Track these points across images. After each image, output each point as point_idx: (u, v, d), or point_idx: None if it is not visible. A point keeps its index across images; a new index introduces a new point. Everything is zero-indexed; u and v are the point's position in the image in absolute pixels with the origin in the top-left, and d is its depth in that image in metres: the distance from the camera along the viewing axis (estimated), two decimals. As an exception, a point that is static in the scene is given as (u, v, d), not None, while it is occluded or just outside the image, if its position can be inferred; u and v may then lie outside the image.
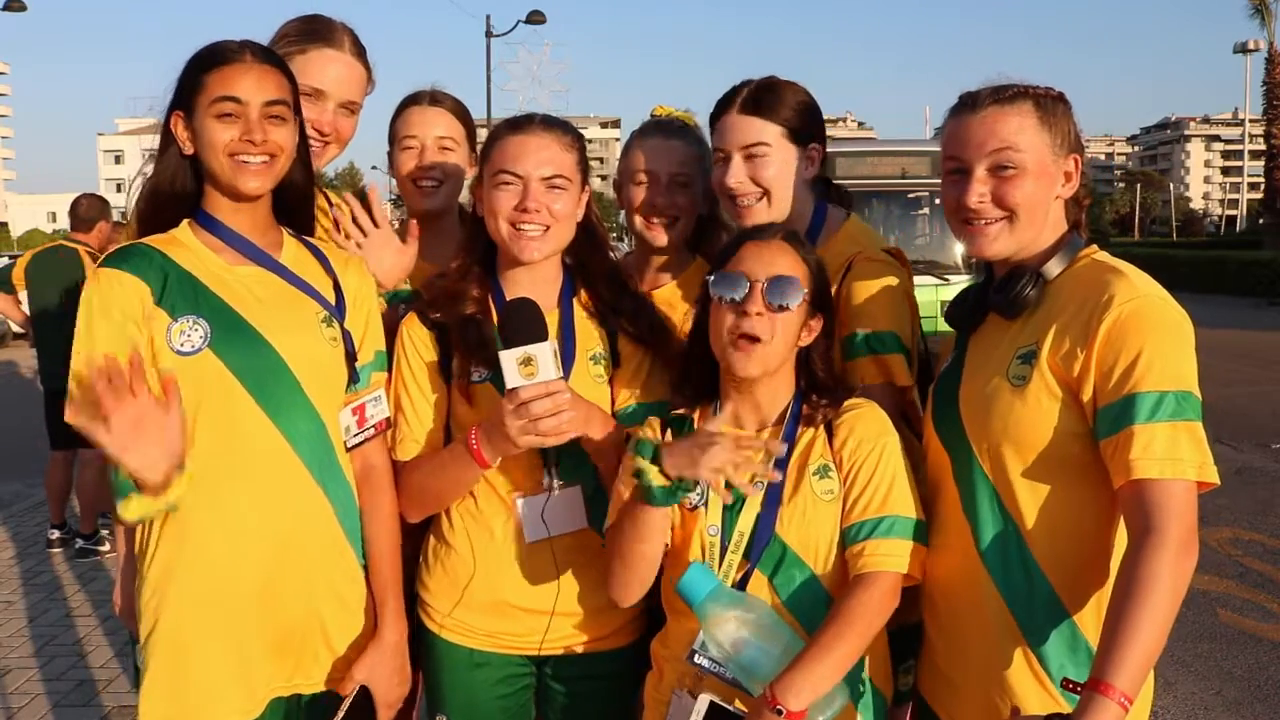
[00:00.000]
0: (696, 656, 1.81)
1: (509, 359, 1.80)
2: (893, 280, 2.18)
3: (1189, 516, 1.60)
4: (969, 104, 1.84)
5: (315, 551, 1.97)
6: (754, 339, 1.85)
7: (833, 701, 1.74)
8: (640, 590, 1.93)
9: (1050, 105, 1.81)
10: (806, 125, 2.25)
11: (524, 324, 1.82)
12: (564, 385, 1.83)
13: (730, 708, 1.79)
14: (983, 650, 1.82)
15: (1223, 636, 4.89)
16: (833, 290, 2.15)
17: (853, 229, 2.31)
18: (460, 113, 2.69)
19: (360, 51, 2.47)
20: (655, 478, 1.72)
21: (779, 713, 1.68)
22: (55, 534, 6.46)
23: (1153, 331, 1.65)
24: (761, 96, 2.22)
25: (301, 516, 1.94)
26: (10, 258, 17.45)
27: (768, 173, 2.21)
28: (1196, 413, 1.64)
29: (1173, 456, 1.60)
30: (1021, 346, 1.78)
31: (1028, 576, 1.77)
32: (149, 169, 2.00)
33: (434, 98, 2.66)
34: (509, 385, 1.81)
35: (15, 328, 16.19)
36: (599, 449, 2.02)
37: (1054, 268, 1.82)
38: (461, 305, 2.10)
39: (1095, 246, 1.87)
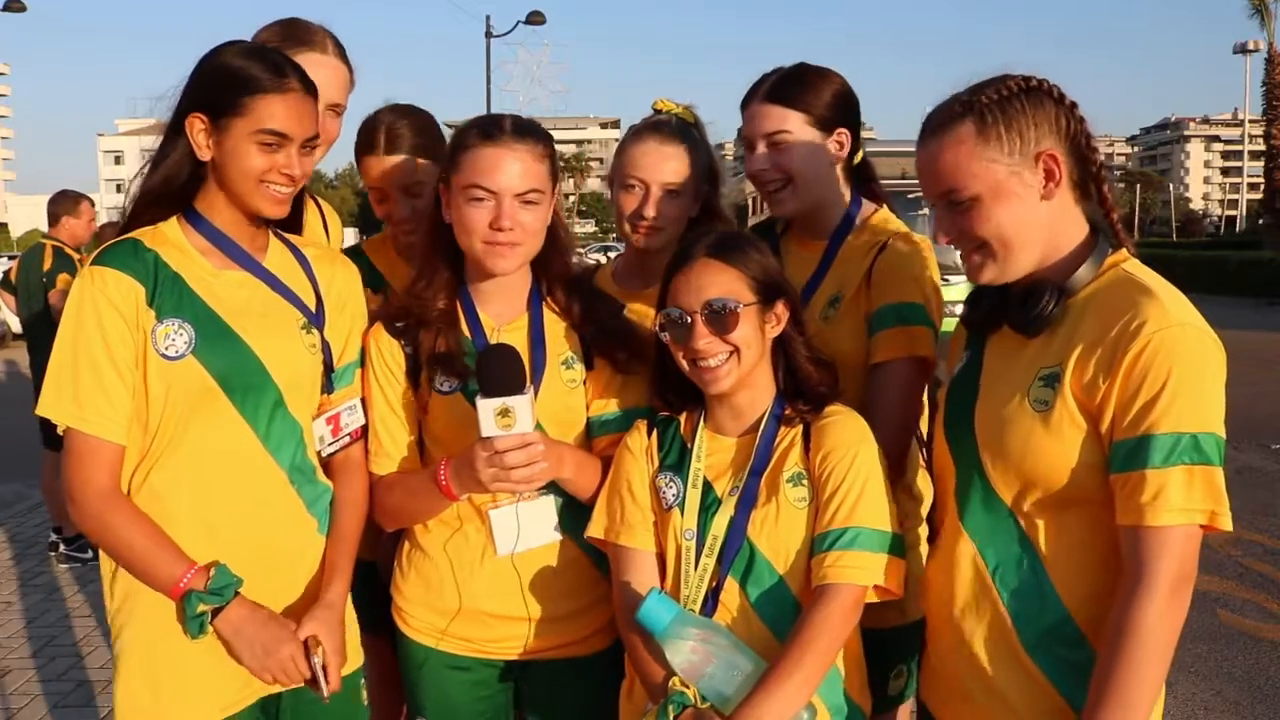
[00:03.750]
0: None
1: (487, 409, 1.79)
2: (925, 259, 2.22)
3: (1186, 563, 1.55)
4: (919, 134, 1.74)
5: (292, 557, 1.98)
6: (713, 365, 1.86)
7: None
8: None
9: (996, 111, 1.65)
10: (832, 111, 2.28)
11: (503, 373, 1.81)
12: (539, 437, 1.84)
13: None
14: (986, 667, 1.75)
15: (1223, 636, 4.89)
16: (865, 266, 2.22)
17: (888, 215, 2.38)
18: None
19: (342, 52, 2.46)
20: None
21: None
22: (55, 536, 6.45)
23: (1178, 366, 1.54)
24: (785, 85, 2.27)
25: (278, 522, 1.95)
26: (10, 258, 17.47)
27: (789, 159, 2.26)
28: (1216, 455, 1.55)
29: (1183, 506, 1.53)
30: (1044, 367, 1.67)
31: (1040, 597, 1.69)
32: (150, 166, 1.97)
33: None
34: (484, 434, 1.80)
35: (15, 328, 16.23)
36: (572, 484, 2.02)
37: (1079, 280, 1.69)
38: (428, 315, 2.06)
39: (1125, 252, 1.73)
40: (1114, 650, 1.54)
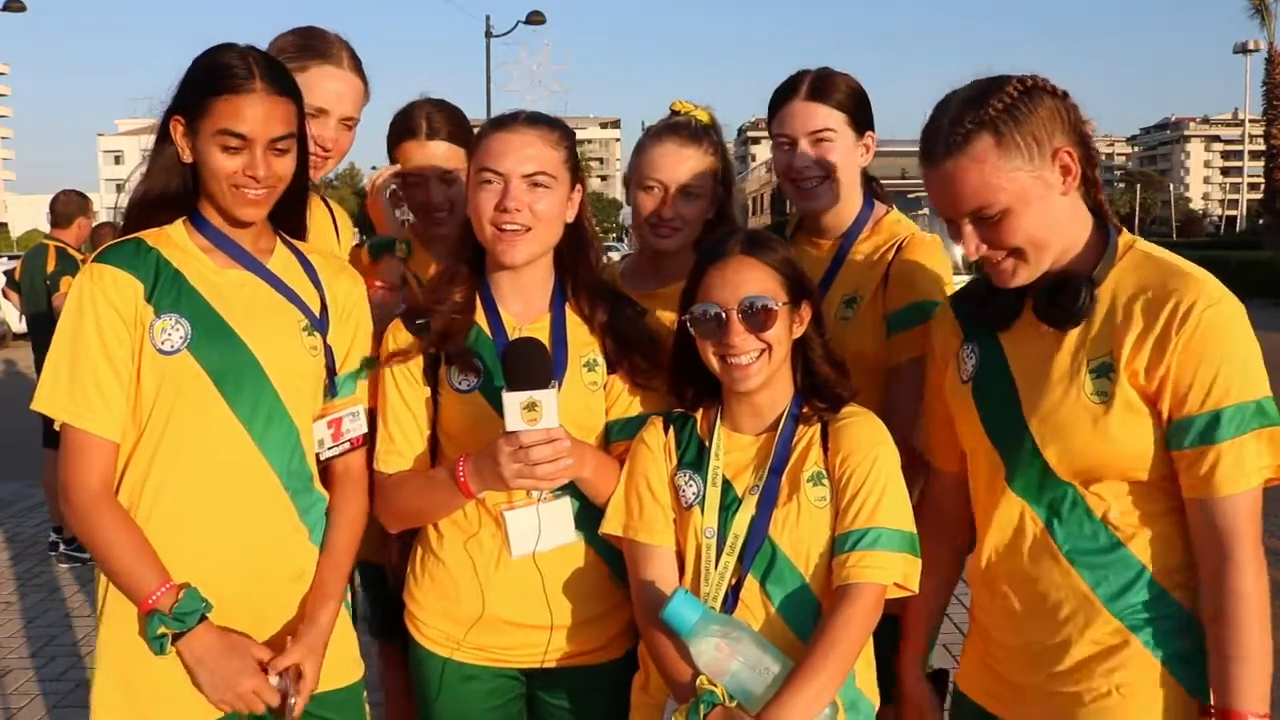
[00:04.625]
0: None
1: (513, 402, 1.76)
2: (943, 259, 2.30)
3: (1259, 521, 1.63)
4: (927, 155, 1.71)
5: (278, 563, 1.96)
6: (745, 363, 1.85)
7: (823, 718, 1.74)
8: None
9: (1010, 120, 1.64)
10: (863, 114, 2.39)
11: (530, 367, 1.79)
12: (564, 433, 1.81)
13: None
14: (1067, 653, 1.74)
15: (1223, 637, 4.88)
16: (882, 267, 2.30)
17: (899, 215, 2.46)
18: None
19: (357, 65, 2.46)
20: None
21: None
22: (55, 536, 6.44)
23: (1231, 341, 1.61)
24: (823, 84, 2.35)
25: (266, 526, 1.92)
26: (10, 258, 17.49)
27: (833, 157, 2.35)
28: (1277, 414, 1.62)
29: (1255, 467, 1.61)
30: (1093, 358, 1.69)
31: (1125, 569, 1.70)
32: (145, 168, 1.98)
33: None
34: (509, 428, 1.77)
35: (15, 327, 16.22)
36: (590, 484, 1.99)
37: (1103, 270, 1.72)
38: (447, 310, 2.05)
39: (1126, 231, 1.77)
40: (1226, 627, 1.60)
